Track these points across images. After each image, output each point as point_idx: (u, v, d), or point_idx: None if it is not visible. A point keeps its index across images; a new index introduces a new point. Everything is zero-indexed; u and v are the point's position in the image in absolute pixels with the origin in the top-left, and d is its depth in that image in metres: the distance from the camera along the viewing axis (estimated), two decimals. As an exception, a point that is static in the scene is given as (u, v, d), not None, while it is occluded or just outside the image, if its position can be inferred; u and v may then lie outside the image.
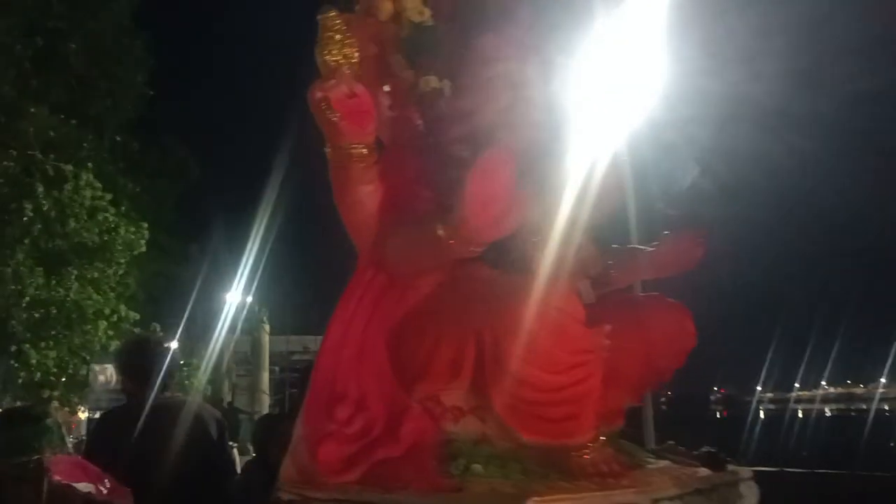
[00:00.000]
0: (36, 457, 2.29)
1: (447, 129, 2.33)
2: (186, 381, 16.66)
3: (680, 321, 2.31)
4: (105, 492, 2.33)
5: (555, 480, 1.90)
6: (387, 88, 2.46)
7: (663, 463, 2.23)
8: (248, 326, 20.63)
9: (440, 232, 2.00)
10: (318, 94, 2.16)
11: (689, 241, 2.46)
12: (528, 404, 1.91)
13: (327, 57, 2.22)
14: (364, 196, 2.25)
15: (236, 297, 20.02)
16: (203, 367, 17.43)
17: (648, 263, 2.48)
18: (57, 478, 2.28)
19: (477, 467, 1.92)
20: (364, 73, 2.31)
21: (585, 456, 1.93)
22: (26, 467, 2.26)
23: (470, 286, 2.11)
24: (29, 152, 16.30)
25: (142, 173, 19.66)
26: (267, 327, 19.16)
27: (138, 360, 3.10)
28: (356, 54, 2.25)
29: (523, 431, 1.94)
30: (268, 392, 19.28)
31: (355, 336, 2.21)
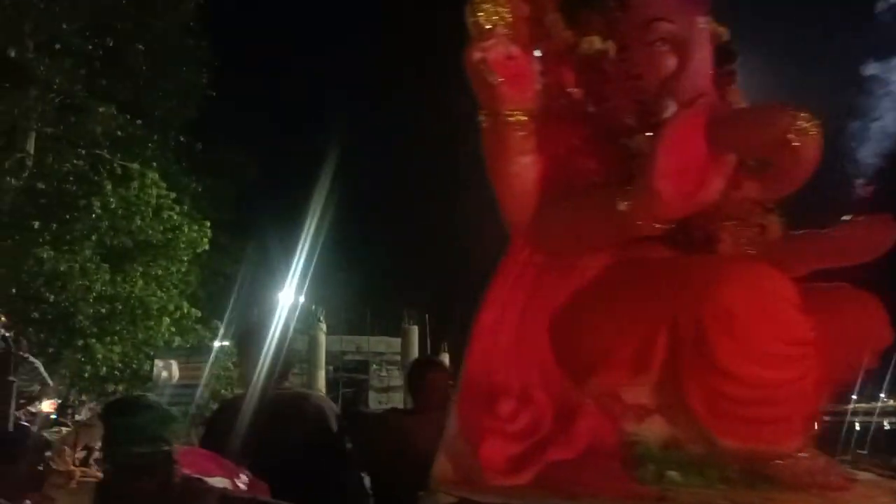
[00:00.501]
0: (164, 448, 2.10)
1: (614, 96, 2.09)
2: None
3: (875, 314, 2.02)
4: (243, 487, 2.14)
5: (765, 491, 1.64)
6: (539, 52, 2.22)
7: (867, 475, 1.94)
8: (304, 325, 20.68)
9: (622, 207, 1.76)
10: (477, 56, 1.94)
11: (881, 224, 2.15)
12: (732, 403, 1.65)
13: (480, 17, 2.01)
14: (522, 168, 2.03)
15: (291, 296, 20.12)
16: (259, 365, 17.42)
17: (831, 248, 2.19)
18: (186, 470, 2.10)
19: (673, 474, 1.67)
20: (516, 35, 2.09)
21: (799, 464, 1.66)
22: (151, 458, 2.08)
23: (654, 268, 1.86)
24: (96, 151, 16.63)
25: (203, 173, 19.89)
26: (323, 326, 19.15)
27: (265, 349, 2.93)
28: (509, 14, 2.04)
29: (722, 434, 1.68)
30: (323, 391, 19.27)
31: (511, 321, 1.98)
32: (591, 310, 1.88)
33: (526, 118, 2.00)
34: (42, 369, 7.68)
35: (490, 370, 1.92)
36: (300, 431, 2.82)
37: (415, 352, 19.15)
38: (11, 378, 4.82)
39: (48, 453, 3.26)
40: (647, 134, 1.95)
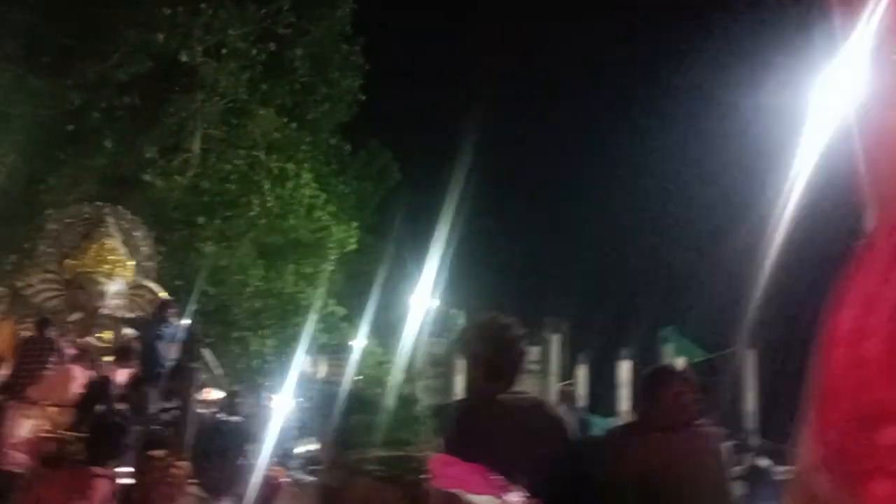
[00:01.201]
0: (412, 453, 1.80)
1: None
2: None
3: None
4: (519, 509, 1.79)
5: None
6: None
7: None
8: (443, 329, 20.66)
9: None
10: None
11: None
12: None
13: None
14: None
15: (430, 299, 20.19)
16: (406, 367, 17.54)
17: None
18: (441, 483, 1.78)
19: None
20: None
21: None
22: (402, 466, 1.78)
23: None
24: (254, 153, 17.37)
25: (350, 175, 20.37)
26: (463, 330, 19.07)
27: (494, 351, 2.54)
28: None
29: None
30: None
31: (882, 324, 1.50)
32: None
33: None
34: (212, 358, 7.87)
35: (860, 387, 1.46)
36: (543, 440, 2.42)
37: (555, 361, 18.57)
38: (195, 365, 4.82)
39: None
40: None
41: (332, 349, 15.76)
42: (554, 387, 19.44)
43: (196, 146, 16.99)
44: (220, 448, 2.32)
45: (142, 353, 6.88)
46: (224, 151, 17.04)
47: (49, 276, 8.05)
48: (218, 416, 5.79)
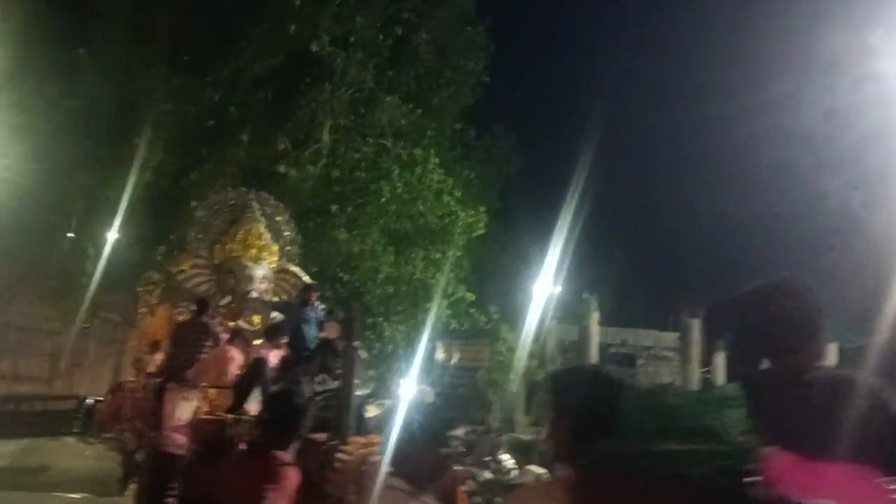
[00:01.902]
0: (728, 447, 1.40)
1: None
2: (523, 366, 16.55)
3: None
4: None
5: None
6: None
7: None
8: (574, 315, 20.10)
9: None
10: None
11: None
12: None
13: None
14: None
15: (556, 284, 19.68)
16: (535, 354, 17.19)
17: None
18: (788, 488, 1.34)
19: None
20: None
21: None
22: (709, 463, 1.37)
23: None
24: (381, 140, 17.51)
25: (474, 160, 20.14)
26: (596, 316, 18.33)
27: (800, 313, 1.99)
28: None
29: None
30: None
31: None
32: None
33: None
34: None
35: None
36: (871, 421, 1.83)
37: (696, 347, 17.61)
38: (356, 344, 4.66)
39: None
40: None
41: (464, 335, 15.60)
42: (694, 374, 18.46)
43: (326, 136, 17.33)
44: (428, 434, 2.05)
45: (289, 336, 6.91)
46: (353, 140, 17.27)
47: (199, 261, 8.28)
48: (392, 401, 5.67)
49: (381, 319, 14.98)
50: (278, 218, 9.09)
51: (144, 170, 17.02)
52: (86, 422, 18.69)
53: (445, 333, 15.61)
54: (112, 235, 19.57)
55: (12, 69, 16.12)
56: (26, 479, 10.31)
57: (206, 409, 5.00)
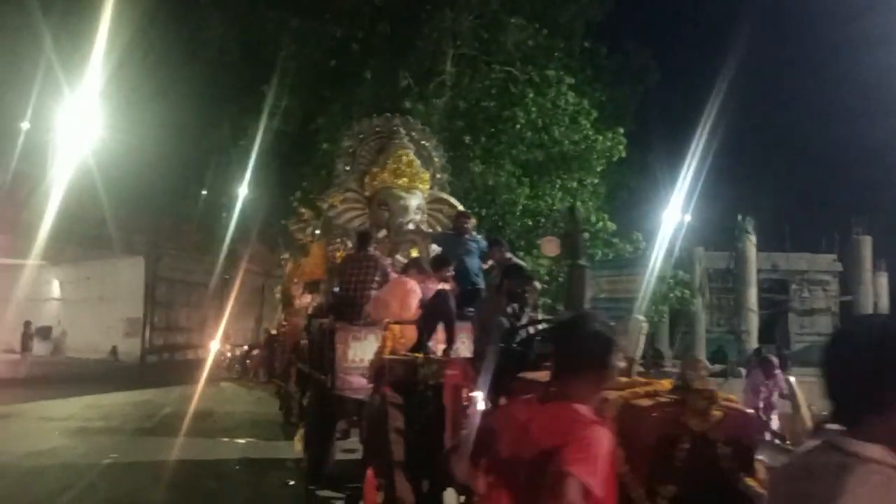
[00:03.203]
0: None
1: None
2: (673, 296, 15.53)
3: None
4: None
5: None
6: None
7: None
8: (719, 241, 18.67)
9: None
10: None
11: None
12: None
13: None
14: None
15: (697, 210, 18.31)
16: (683, 283, 16.06)
17: None
18: None
19: None
20: None
21: None
22: None
23: None
24: (506, 68, 16.51)
25: (605, 80, 18.78)
26: (753, 238, 16.92)
27: None
28: None
29: None
30: (755, 309, 17.11)
31: None
32: None
33: None
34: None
35: None
36: None
37: (867, 267, 15.88)
38: (584, 263, 3.98)
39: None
40: None
41: (609, 265, 14.68)
42: (867, 297, 16.76)
43: (450, 67, 16.56)
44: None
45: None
46: (478, 69, 16.41)
47: (350, 195, 7.80)
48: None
49: (521, 254, 14.29)
50: (426, 143, 8.45)
51: (272, 118, 16.95)
52: (242, 368, 19.45)
53: (592, 265, 14.77)
54: (243, 187, 19.90)
55: (141, 38, 16.32)
56: (192, 425, 10.52)
57: (389, 347, 4.49)
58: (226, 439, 9.30)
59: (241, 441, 9.25)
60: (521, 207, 14.57)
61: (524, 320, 4.39)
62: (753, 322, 17.13)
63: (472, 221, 7.63)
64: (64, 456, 8.06)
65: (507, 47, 16.35)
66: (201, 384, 17.33)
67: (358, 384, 5.69)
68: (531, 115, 14.43)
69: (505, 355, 3.91)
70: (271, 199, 19.55)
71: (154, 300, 24.15)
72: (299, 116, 17.50)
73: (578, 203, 13.91)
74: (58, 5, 15.14)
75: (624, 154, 15.42)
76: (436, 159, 8.44)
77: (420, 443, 3.96)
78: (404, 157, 7.82)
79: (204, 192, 22.64)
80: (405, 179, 7.68)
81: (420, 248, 7.51)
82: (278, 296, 15.52)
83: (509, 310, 4.47)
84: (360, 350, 5.70)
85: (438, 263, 6.10)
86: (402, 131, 8.22)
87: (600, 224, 15.50)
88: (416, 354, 4.45)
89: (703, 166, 16.23)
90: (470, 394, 4.11)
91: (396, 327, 4.55)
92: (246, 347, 21.33)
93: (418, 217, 7.64)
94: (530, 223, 14.57)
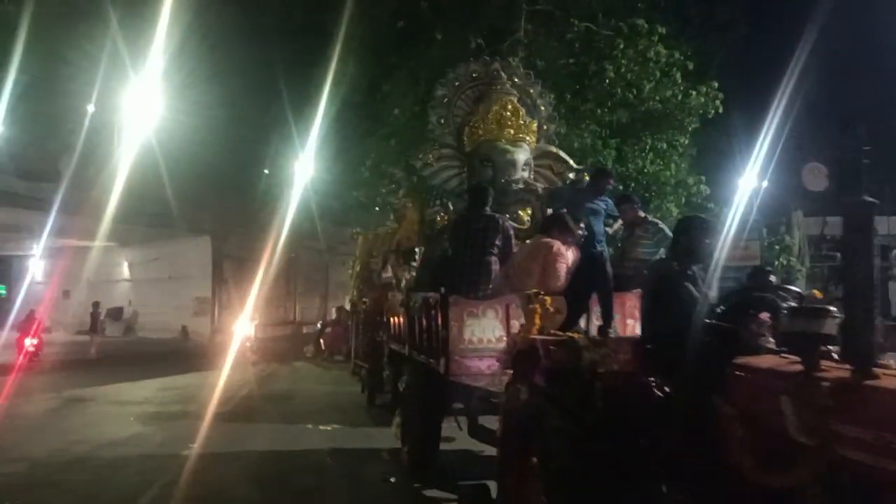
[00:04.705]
0: None
1: None
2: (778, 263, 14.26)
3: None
4: None
5: None
6: None
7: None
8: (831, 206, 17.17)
9: None
10: None
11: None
12: None
13: None
14: None
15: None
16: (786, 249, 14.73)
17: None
18: None
19: None
20: None
21: None
22: None
23: None
24: (583, 23, 15.30)
25: (690, 33, 17.33)
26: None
27: None
28: None
29: None
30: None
31: None
32: None
33: None
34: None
35: None
36: None
37: None
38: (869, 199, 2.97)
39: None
40: None
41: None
42: None
43: (524, 24, 15.43)
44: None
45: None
46: (556, 26, 15.26)
47: (447, 151, 6.85)
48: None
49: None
50: (531, 90, 7.42)
51: (336, 86, 16.16)
52: (315, 348, 18.98)
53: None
54: (307, 162, 19.29)
55: (204, 14, 15.74)
56: (272, 409, 9.95)
57: (538, 325, 3.57)
58: (310, 426, 8.61)
59: (328, 428, 8.55)
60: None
61: (712, 285, 3.45)
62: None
63: (612, 179, 6.71)
64: (143, 446, 7.52)
65: (584, 1, 15.15)
66: (276, 363, 16.88)
67: (476, 369, 4.82)
68: (620, 69, 13.23)
69: (708, 335, 2.99)
70: (336, 174, 18.87)
71: (222, 279, 23.93)
72: (364, 85, 16.66)
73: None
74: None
75: (721, 110, 14.09)
76: (542, 108, 7.39)
77: (589, 451, 3.04)
78: (509, 105, 6.80)
79: (266, 171, 22.24)
80: (511, 131, 6.68)
81: (533, 207, 6.56)
82: (350, 271, 14.85)
83: (689, 273, 3.51)
84: (479, 328, 4.83)
85: (561, 225, 5.14)
86: (504, 76, 7.21)
87: (695, 188, 14.30)
88: (571, 334, 3.53)
89: (795, 127, 14.85)
90: (649, 385, 3.18)
91: (548, 299, 3.62)
92: (319, 325, 20.86)
93: (526, 174, 6.65)
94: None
